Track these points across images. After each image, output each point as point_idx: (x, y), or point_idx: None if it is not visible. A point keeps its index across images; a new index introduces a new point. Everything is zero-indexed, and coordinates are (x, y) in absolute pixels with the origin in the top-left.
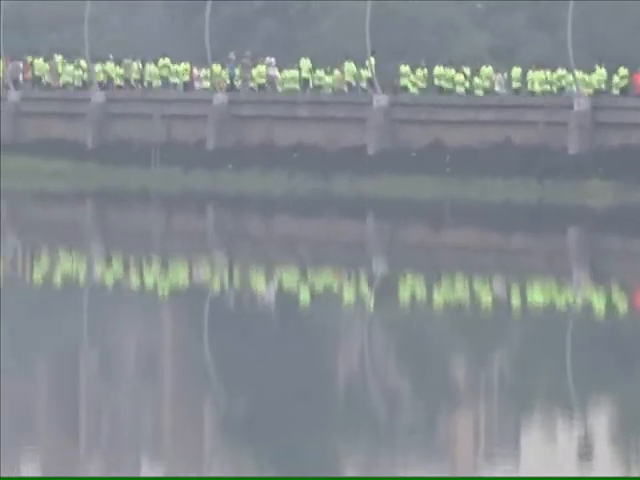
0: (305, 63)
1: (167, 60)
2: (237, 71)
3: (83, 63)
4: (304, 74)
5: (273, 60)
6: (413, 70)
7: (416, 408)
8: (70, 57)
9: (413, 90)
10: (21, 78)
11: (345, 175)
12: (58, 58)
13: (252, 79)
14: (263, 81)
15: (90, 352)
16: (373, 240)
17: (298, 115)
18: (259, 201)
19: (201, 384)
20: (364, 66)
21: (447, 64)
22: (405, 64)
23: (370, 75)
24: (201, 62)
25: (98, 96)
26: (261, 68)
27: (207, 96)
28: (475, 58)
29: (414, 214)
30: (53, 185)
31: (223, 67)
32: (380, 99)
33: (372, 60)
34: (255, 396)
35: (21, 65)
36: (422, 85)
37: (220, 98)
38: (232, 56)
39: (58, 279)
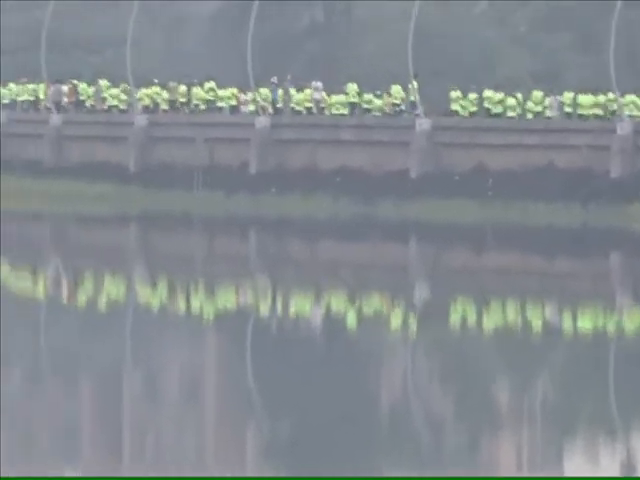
0: (352, 87)
1: (213, 83)
2: (279, 94)
3: (128, 87)
4: (351, 98)
5: (320, 84)
6: (464, 94)
7: (461, 433)
8: (114, 80)
9: (464, 114)
10: (65, 101)
11: (388, 199)
12: (103, 82)
13: (295, 103)
14: (310, 105)
15: (134, 375)
16: (416, 264)
17: (341, 139)
18: (302, 225)
19: (245, 408)
20: (407, 89)
21: (494, 87)
22: (455, 89)
23: (413, 98)
24: (244, 84)
25: (141, 119)
26: (307, 92)
27: (250, 120)
28: (517, 80)
29: (457, 238)
30: (96, 209)
31: (269, 90)
32: (423, 123)
33: (415, 83)
34: (299, 420)
35: (64, 88)
36: (473, 109)
37: (263, 122)
38: (274, 80)
39: (101, 302)
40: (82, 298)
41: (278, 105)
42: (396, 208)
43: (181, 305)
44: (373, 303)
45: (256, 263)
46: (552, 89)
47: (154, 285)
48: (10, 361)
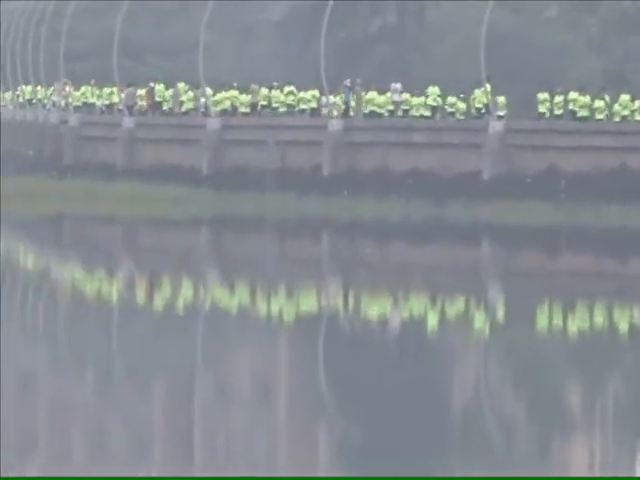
0: (433, 91)
1: (292, 87)
2: (352, 98)
3: (208, 90)
4: (432, 101)
5: (399, 86)
6: (551, 97)
7: (534, 436)
8: (186, 84)
9: (554, 115)
10: (141, 104)
11: (460, 201)
12: (181, 85)
13: (376, 105)
14: (391, 108)
15: (207, 376)
16: (489, 266)
17: (413, 141)
18: (374, 227)
19: (325, 409)
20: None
21: (577, 90)
22: (543, 91)
23: (486, 101)
24: (316, 88)
25: (213, 123)
26: (387, 95)
27: (322, 122)
28: (590, 83)
29: (529, 240)
30: (168, 211)
31: (340, 94)
32: (495, 125)
33: (488, 86)
34: (373, 422)
35: (138, 92)
36: (559, 112)
37: (335, 125)
38: (347, 83)
39: (174, 304)
40: (154, 299)
41: (350, 108)
42: (468, 210)
43: (253, 306)
44: (448, 305)
45: (328, 265)
46: (625, 92)
47: (230, 287)
48: (93, 364)
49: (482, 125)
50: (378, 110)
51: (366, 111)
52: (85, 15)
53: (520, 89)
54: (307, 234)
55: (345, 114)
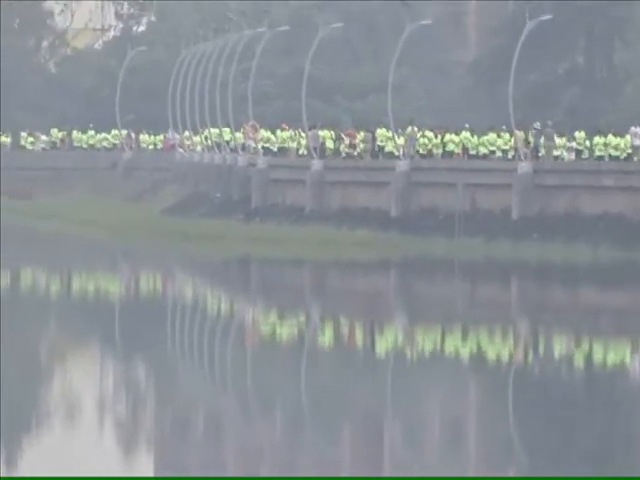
0: None
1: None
2: (542, 140)
3: (429, 133)
4: None
5: (639, 130)
6: None
7: None
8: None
9: None
10: (360, 146)
11: None
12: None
13: (613, 148)
14: (629, 152)
15: (394, 417)
16: None
17: (603, 184)
18: (563, 271)
19: (508, 452)
20: None
21: None
22: None
23: None
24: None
25: (402, 165)
26: (625, 139)
27: (511, 165)
28: None
29: None
30: (356, 254)
31: (527, 136)
32: None
33: None
34: (559, 463)
35: (320, 134)
36: None
37: (524, 167)
38: (537, 125)
39: (361, 347)
40: (340, 342)
41: (540, 152)
42: None
43: (442, 349)
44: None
45: (517, 308)
46: None
47: (413, 330)
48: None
49: None
50: (614, 153)
51: (605, 154)
52: (273, 55)
53: None
54: (496, 278)
55: (535, 157)
